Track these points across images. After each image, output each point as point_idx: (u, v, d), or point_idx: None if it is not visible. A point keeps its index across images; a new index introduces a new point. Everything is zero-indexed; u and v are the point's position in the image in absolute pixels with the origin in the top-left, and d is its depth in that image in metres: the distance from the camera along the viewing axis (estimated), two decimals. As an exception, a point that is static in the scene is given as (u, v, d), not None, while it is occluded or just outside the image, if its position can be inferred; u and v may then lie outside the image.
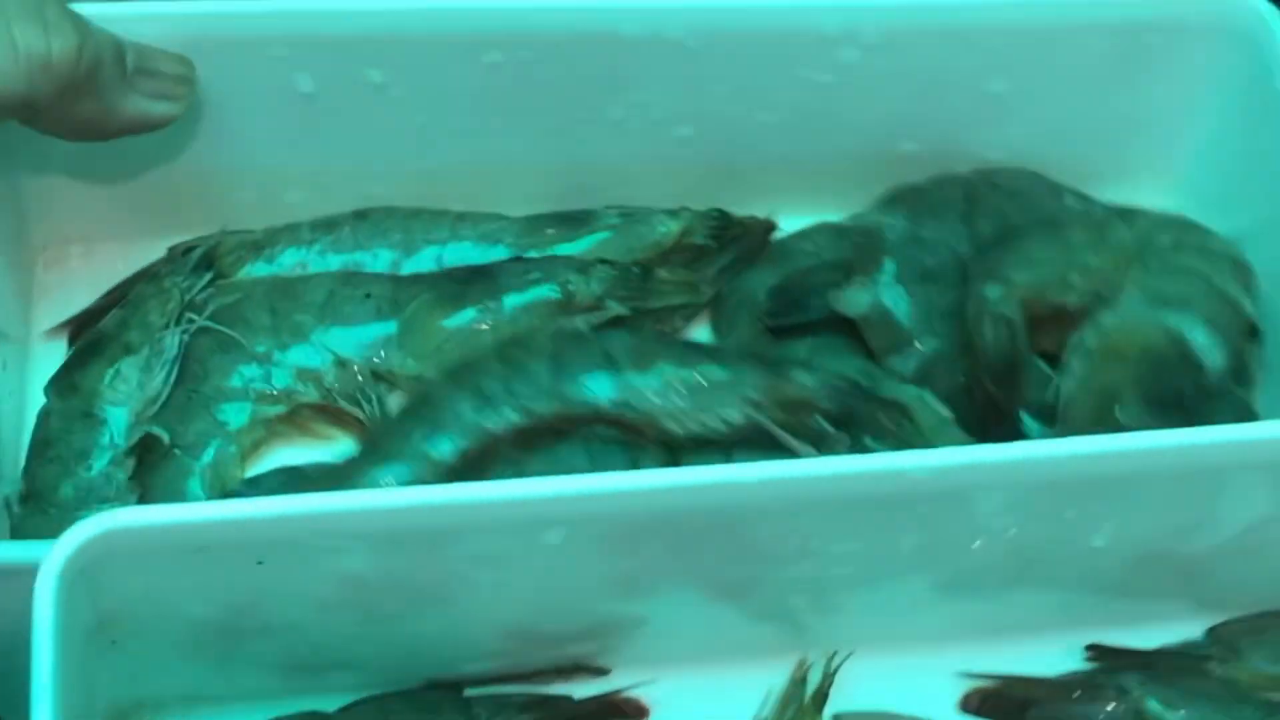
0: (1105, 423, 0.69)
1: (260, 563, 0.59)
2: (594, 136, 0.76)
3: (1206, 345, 0.72)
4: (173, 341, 0.72)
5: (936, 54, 0.74)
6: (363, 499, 0.59)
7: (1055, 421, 0.71)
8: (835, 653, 0.68)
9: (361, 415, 0.72)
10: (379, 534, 0.59)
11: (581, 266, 0.74)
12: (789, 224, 0.78)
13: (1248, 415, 0.74)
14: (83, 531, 0.56)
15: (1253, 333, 0.74)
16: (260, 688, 0.66)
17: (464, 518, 0.59)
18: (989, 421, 0.71)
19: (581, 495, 0.59)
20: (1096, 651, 0.69)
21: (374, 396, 0.73)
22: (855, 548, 0.64)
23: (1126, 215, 0.75)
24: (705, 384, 0.70)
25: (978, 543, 0.64)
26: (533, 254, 0.75)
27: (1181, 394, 0.71)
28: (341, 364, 0.73)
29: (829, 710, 0.68)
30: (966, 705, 0.69)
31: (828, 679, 0.68)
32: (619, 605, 0.66)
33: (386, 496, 0.60)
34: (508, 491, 0.59)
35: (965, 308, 0.72)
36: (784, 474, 0.60)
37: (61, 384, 0.72)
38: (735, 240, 0.76)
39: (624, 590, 0.64)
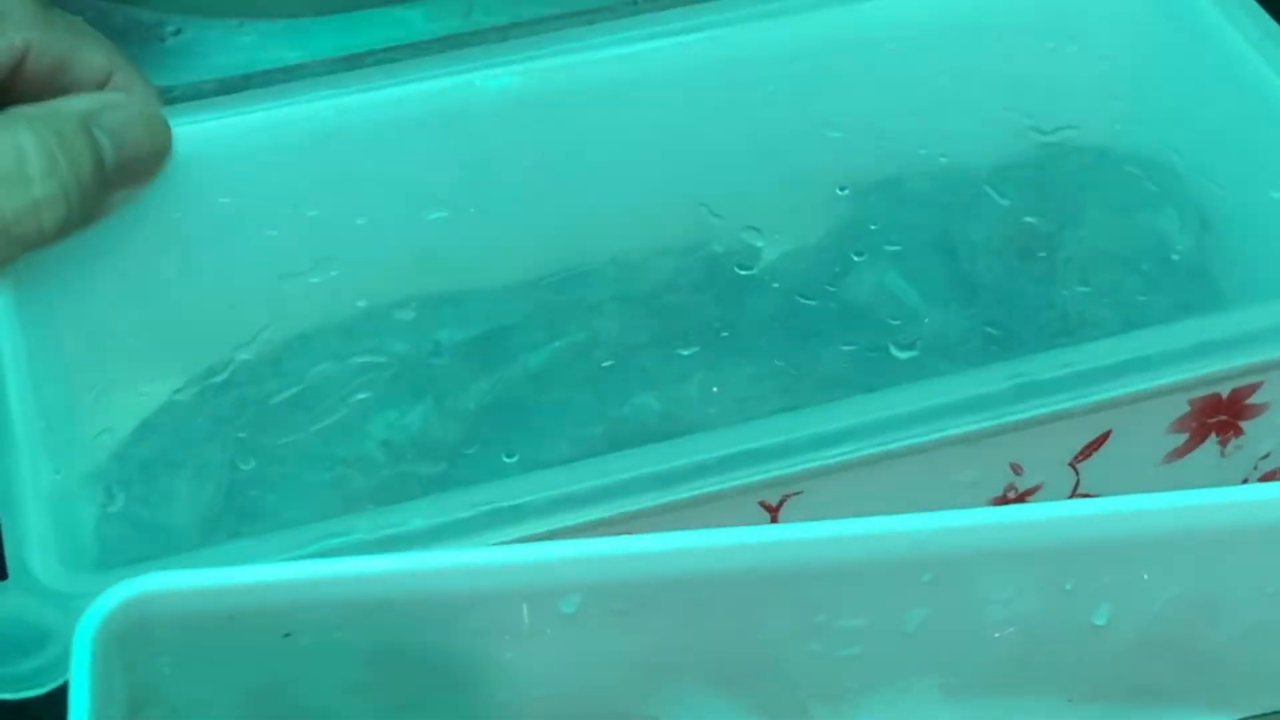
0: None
1: (288, 635, 0.58)
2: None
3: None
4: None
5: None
6: (393, 562, 0.58)
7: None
8: None
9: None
10: (402, 599, 0.58)
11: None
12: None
13: None
14: (119, 593, 0.54)
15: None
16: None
17: (483, 581, 0.58)
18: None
19: (598, 557, 0.58)
20: None
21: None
22: (862, 623, 0.63)
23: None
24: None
25: (983, 616, 0.63)
26: (543, 311, 0.78)
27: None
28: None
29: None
30: None
31: None
32: (635, 706, 0.64)
33: (417, 560, 0.59)
34: (524, 555, 0.58)
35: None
36: (789, 536, 0.60)
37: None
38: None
39: (639, 684, 0.63)
